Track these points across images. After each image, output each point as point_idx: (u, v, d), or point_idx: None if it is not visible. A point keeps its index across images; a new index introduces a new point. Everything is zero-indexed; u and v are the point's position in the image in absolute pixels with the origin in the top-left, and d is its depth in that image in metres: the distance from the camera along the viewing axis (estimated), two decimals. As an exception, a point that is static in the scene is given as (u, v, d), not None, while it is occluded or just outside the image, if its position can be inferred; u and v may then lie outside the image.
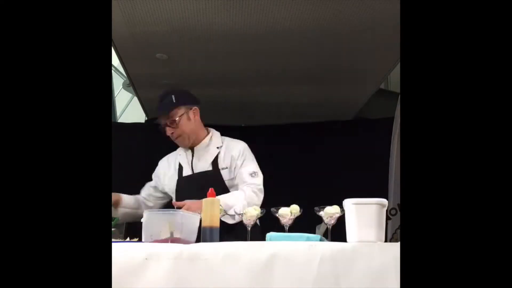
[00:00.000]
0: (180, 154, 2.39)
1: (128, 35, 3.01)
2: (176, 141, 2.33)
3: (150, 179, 2.51)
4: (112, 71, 4.90)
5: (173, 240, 1.52)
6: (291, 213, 1.71)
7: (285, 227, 1.72)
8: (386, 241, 1.46)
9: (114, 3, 2.53)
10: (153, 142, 4.76)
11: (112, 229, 1.87)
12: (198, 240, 1.61)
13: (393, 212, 3.86)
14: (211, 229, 1.62)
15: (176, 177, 2.35)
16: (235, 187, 2.26)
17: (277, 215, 1.73)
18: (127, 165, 4.37)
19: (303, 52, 3.29)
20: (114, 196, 2.19)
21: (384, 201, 1.45)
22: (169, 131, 2.27)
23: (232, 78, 3.78)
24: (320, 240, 1.56)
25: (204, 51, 3.26)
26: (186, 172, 2.31)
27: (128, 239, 1.79)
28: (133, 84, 3.92)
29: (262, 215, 1.74)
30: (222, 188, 2.20)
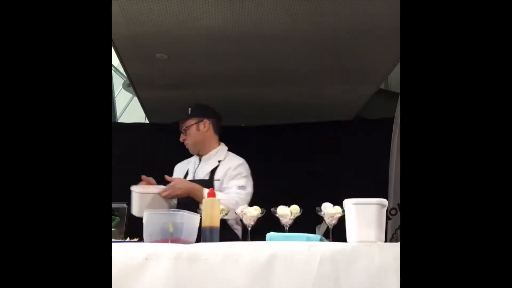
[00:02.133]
0: (190, 162, 2.63)
1: (128, 35, 3.01)
2: (187, 147, 2.59)
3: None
4: (112, 71, 4.90)
5: (173, 240, 1.52)
6: (291, 213, 1.71)
7: (285, 227, 1.72)
8: (386, 241, 1.46)
9: (114, 3, 2.53)
10: (153, 142, 4.80)
11: (112, 229, 1.87)
12: (198, 240, 1.61)
13: (393, 212, 3.86)
14: (211, 229, 1.62)
15: None
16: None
17: (277, 215, 1.73)
18: (127, 165, 4.37)
19: (303, 52, 3.29)
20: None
21: (384, 201, 1.45)
22: (182, 137, 2.58)
23: (232, 78, 3.77)
24: (320, 240, 1.56)
25: (204, 51, 3.26)
26: (189, 177, 2.54)
27: (128, 239, 1.79)
28: (133, 84, 3.92)
29: (262, 215, 1.74)
30: None
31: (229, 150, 2.62)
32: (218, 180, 2.44)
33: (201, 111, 2.61)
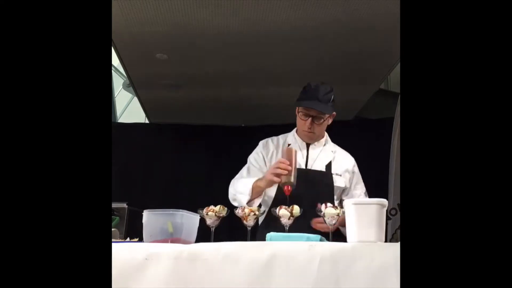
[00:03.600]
0: (290, 144, 2.38)
1: (128, 35, 3.01)
2: (305, 134, 2.35)
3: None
4: (112, 71, 4.91)
5: (173, 240, 1.52)
6: (291, 213, 1.71)
7: (285, 227, 1.72)
8: (386, 241, 1.46)
9: (114, 3, 2.53)
10: (153, 142, 4.80)
11: (112, 229, 1.87)
12: (198, 240, 1.61)
13: (393, 212, 3.87)
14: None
15: None
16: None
17: (277, 215, 1.72)
18: (127, 165, 4.38)
19: (303, 53, 3.29)
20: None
21: (384, 201, 1.45)
22: (309, 123, 2.31)
23: (232, 78, 3.78)
24: (320, 240, 1.56)
25: (204, 51, 3.26)
26: (302, 165, 2.31)
27: (128, 239, 1.79)
28: (133, 84, 3.93)
29: (262, 215, 1.74)
30: (330, 192, 2.25)
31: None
32: (339, 175, 2.30)
33: (334, 105, 2.35)
